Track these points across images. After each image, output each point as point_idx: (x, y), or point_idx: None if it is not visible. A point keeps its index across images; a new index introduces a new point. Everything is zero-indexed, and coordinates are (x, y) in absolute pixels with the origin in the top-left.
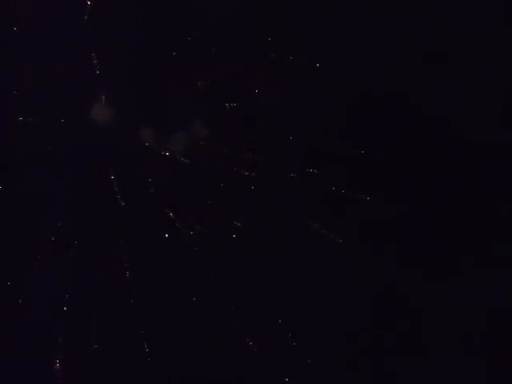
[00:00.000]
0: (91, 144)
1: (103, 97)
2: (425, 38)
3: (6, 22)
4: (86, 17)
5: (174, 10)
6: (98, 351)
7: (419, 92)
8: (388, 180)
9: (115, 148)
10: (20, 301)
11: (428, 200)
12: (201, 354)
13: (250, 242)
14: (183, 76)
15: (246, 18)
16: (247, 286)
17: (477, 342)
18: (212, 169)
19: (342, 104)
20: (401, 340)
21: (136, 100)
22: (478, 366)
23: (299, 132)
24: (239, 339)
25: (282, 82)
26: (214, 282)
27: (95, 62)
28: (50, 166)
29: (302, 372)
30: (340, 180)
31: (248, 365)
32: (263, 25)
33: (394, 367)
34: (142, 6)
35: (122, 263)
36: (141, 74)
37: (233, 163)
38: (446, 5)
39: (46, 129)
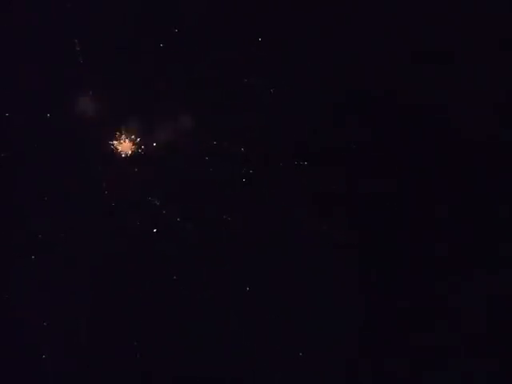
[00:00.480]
0: (78, 138)
1: (90, 91)
2: (425, 37)
3: None
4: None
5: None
6: (89, 349)
7: (418, 91)
8: (387, 179)
9: (102, 142)
10: (6, 296)
11: (427, 199)
12: (194, 353)
13: (241, 238)
14: (171, 67)
15: (237, 12)
16: (241, 284)
17: (477, 342)
18: (202, 163)
19: (341, 102)
20: (400, 340)
21: (122, 92)
22: (478, 366)
23: (296, 129)
24: (234, 338)
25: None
26: (207, 280)
27: (78, 49)
28: (36, 163)
29: (300, 372)
30: (339, 179)
31: (244, 365)
32: (255, 20)
33: (393, 367)
34: None
35: (112, 259)
36: (128, 66)
37: (223, 157)
38: (446, 4)
39: (31, 124)
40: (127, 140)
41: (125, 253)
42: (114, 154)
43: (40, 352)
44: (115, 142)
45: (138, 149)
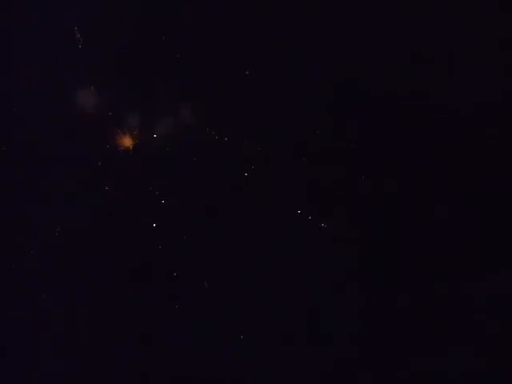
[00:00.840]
0: (78, 132)
1: (92, 86)
2: (425, 37)
3: None
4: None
5: None
6: (88, 347)
7: (418, 91)
8: (387, 179)
9: (102, 136)
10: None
11: (427, 199)
12: (194, 353)
13: (241, 238)
14: (172, 59)
15: (237, 12)
16: (240, 283)
17: (477, 342)
18: (202, 160)
19: (341, 102)
20: (400, 340)
21: (123, 85)
22: (478, 366)
23: (296, 129)
24: (233, 338)
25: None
26: (207, 278)
27: (78, 35)
28: (36, 158)
29: (300, 372)
30: (339, 179)
31: (244, 365)
32: (255, 20)
33: (394, 367)
34: None
35: (112, 255)
36: (128, 60)
37: (224, 155)
38: (446, 4)
39: (30, 119)
40: (127, 134)
41: (124, 248)
42: (114, 148)
43: (39, 351)
44: (115, 137)
45: (138, 143)
